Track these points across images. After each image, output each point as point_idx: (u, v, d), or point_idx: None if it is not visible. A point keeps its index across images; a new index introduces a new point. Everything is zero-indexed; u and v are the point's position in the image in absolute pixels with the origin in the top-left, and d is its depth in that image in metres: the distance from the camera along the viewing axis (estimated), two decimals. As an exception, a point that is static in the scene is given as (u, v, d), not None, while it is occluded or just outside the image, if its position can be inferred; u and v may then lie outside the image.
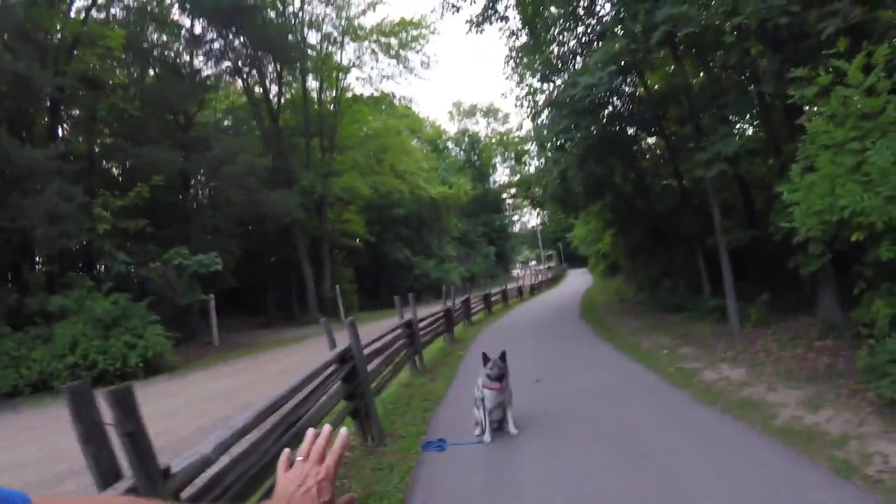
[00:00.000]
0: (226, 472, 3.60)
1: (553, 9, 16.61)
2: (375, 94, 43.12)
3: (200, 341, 25.59)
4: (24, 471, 8.49)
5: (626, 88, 15.16)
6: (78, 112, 25.17)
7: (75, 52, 22.30)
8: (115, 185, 24.29)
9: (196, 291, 23.84)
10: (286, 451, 1.12)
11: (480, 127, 75.53)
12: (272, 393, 4.69)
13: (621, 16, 12.48)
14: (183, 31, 30.24)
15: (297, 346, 22.28)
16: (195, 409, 11.71)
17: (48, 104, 22.50)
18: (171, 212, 27.99)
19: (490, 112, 74.20)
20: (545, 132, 16.68)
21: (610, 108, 14.21)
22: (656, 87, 16.22)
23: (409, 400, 9.50)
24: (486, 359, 7.02)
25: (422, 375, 11.63)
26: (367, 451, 6.86)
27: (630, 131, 16.60)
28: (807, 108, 8.48)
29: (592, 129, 14.21)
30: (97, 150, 25.82)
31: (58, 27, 22.30)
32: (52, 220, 18.76)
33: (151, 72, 28.48)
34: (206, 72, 32.03)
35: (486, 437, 6.66)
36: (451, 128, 73.76)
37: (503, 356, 6.99)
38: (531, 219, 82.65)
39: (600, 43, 13.56)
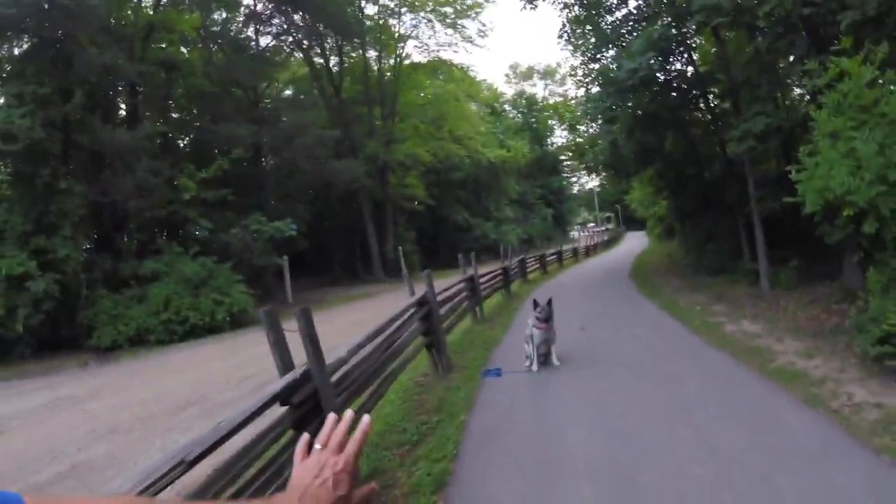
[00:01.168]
0: (352, 370, 5.36)
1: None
2: (433, 60, 43.99)
3: (275, 299, 27.65)
4: (146, 406, 10.41)
5: (674, 66, 16.17)
6: (157, 93, 27.17)
7: (153, 38, 24.34)
8: (195, 159, 26.20)
9: (272, 254, 26.07)
10: (305, 436, 1.10)
11: (538, 89, 75.35)
12: (377, 321, 6.46)
13: (663, 2, 13.59)
14: (244, 9, 31.79)
15: (363, 301, 24.31)
16: (295, 350, 13.70)
17: (129, 89, 24.50)
18: (245, 181, 29.72)
19: (547, 73, 73.87)
20: (593, 107, 17.74)
21: (655, 86, 15.18)
22: (699, 65, 17.08)
23: (472, 342, 11.29)
24: (535, 304, 8.69)
25: (482, 324, 13.41)
26: (438, 378, 8.64)
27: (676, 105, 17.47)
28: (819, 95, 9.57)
29: (637, 106, 15.35)
30: (177, 127, 28.07)
31: (131, 16, 24.19)
32: (141, 194, 21.10)
33: (220, 52, 30.13)
34: (270, 49, 33.53)
35: (534, 367, 8.40)
36: (509, 90, 73.74)
37: (549, 302, 8.68)
38: (589, 181, 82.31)
39: (644, 24, 14.59)
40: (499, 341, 11.30)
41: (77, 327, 19.12)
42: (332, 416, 1.11)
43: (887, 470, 4.46)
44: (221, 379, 11.80)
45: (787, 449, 4.99)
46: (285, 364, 4.42)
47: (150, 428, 8.76)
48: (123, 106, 25.52)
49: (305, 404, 4.26)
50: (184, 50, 27.87)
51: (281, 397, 4.00)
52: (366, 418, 1.10)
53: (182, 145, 30.21)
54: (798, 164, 8.78)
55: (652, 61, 12.95)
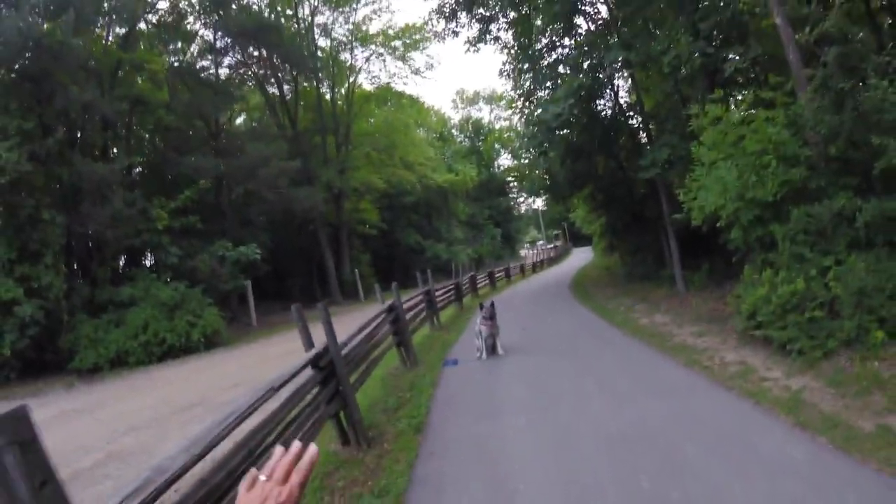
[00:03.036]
0: (351, 352, 7.31)
1: (538, 21, 19.72)
2: (383, 85, 45.87)
3: (241, 322, 29.13)
4: (154, 409, 11.91)
5: (600, 104, 18.56)
6: (128, 129, 28.46)
7: (122, 76, 25.93)
8: (163, 190, 27.58)
9: (239, 278, 27.56)
10: (252, 470, 1.08)
11: (484, 113, 77.96)
12: (363, 322, 8.45)
13: (584, 52, 15.97)
14: (201, 42, 33.47)
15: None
16: (270, 364, 15.36)
17: (102, 124, 25.65)
18: (208, 209, 30.93)
19: (493, 99, 76.76)
20: (527, 142, 20.03)
21: (580, 124, 17.44)
22: (624, 101, 19.62)
23: (432, 344, 13.37)
24: (481, 306, 10.85)
25: (439, 330, 15.49)
26: (407, 370, 10.64)
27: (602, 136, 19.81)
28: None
29: (565, 140, 17.68)
30: (146, 160, 29.58)
31: (102, 55, 25.58)
32: (116, 223, 22.37)
33: (184, 88, 31.26)
34: (229, 81, 34.87)
35: (483, 356, 10.55)
36: (456, 115, 76.14)
37: (492, 304, 10.92)
38: (535, 201, 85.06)
39: (569, 72, 16.95)
40: (454, 342, 13.44)
41: (60, 351, 20.20)
42: (279, 448, 1.10)
43: (734, 399, 6.55)
44: (214, 386, 13.43)
45: (662, 390, 7.14)
46: (308, 342, 6.35)
47: (165, 425, 10.32)
48: (97, 139, 26.78)
49: (326, 368, 6.20)
50: (150, 86, 29.25)
51: (312, 362, 5.93)
52: (312, 448, 1.10)
53: (151, 176, 31.40)
54: (685, 188, 11.08)
55: (574, 109, 15.21)
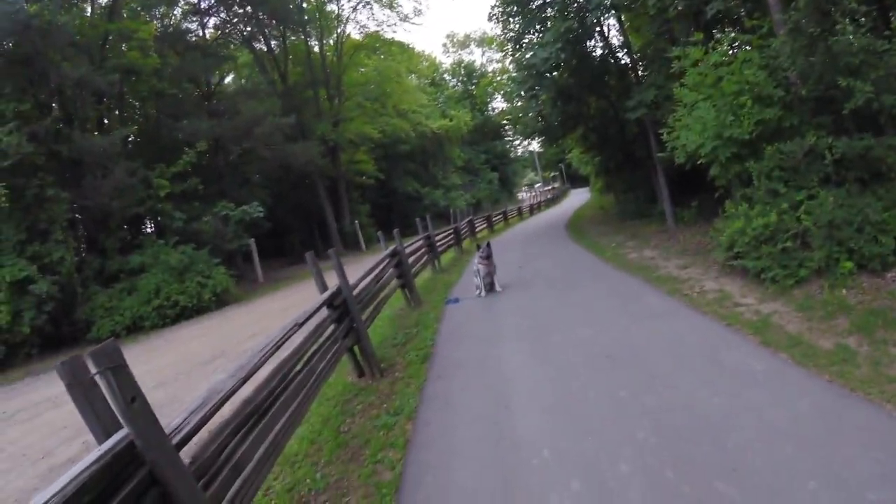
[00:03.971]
0: (361, 293, 8.03)
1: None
2: (372, 33, 45.59)
3: (248, 279, 29.85)
4: (178, 365, 12.65)
5: (589, 46, 18.85)
6: (121, 99, 28.81)
7: (110, 47, 26.03)
8: (162, 156, 27.71)
9: (243, 237, 28.29)
10: None
11: (476, 56, 77.47)
12: (371, 266, 9.17)
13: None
14: (184, 4, 33.29)
15: (329, 272, 26.78)
16: (282, 315, 16.14)
17: (96, 97, 25.95)
18: (207, 171, 31.21)
19: (484, 41, 75.99)
20: (516, 87, 20.38)
21: (570, 67, 17.81)
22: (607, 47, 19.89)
23: (434, 286, 14.16)
24: (478, 247, 11.63)
25: (440, 273, 16.26)
26: (412, 310, 11.42)
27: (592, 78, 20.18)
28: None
29: (555, 83, 18.08)
30: (142, 128, 29.98)
31: (88, 28, 25.55)
32: (120, 194, 22.94)
33: (173, 53, 31.23)
34: (215, 42, 34.84)
35: (482, 294, 11.32)
36: (447, 60, 75.65)
37: (488, 244, 11.74)
38: (531, 143, 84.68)
39: (556, 14, 17.16)
40: (455, 282, 14.23)
41: (76, 323, 20.92)
42: None
43: (708, 322, 7.26)
44: (231, 339, 14.22)
45: (644, 316, 7.89)
46: (322, 286, 7.07)
47: (192, 377, 11.03)
48: (92, 113, 27.03)
49: (340, 307, 6.94)
50: (139, 55, 29.28)
51: (328, 302, 6.66)
52: None
53: (148, 144, 31.53)
54: (669, 128, 11.66)
55: (562, 52, 15.62)
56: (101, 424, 2.70)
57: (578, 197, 61.37)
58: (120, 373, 2.76)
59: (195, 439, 3.34)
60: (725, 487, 3.62)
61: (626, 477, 4.00)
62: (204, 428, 3.42)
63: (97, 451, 2.57)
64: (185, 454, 3.20)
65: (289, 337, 5.21)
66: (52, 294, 19.37)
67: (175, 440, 3.04)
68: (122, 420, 2.75)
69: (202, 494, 3.11)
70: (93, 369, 2.69)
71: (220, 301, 23.42)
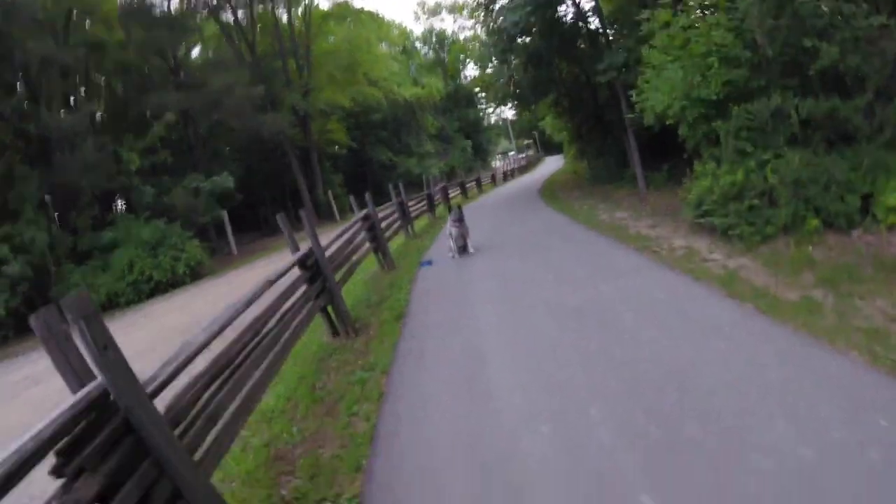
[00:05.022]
0: (333, 254, 8.05)
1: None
2: (340, 2, 45.40)
3: (221, 253, 29.73)
4: (173, 331, 12.36)
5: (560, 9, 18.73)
6: (87, 75, 28.18)
7: (74, 23, 25.46)
8: (130, 130, 27.57)
9: (215, 208, 28.04)
10: None
11: (447, 24, 76.68)
12: (342, 228, 9.17)
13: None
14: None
15: (303, 243, 26.76)
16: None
17: (62, 74, 25.37)
18: (176, 144, 31.43)
19: (455, 9, 75.31)
20: (486, 51, 20.31)
21: (540, 31, 17.74)
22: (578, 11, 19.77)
23: (407, 251, 14.23)
24: (450, 209, 11.63)
25: (414, 238, 16.30)
26: (384, 273, 11.45)
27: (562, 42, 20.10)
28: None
29: (525, 47, 18.02)
30: (108, 103, 29.33)
31: (51, 4, 24.81)
32: (90, 170, 22.66)
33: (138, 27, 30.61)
34: (184, 15, 33.89)
35: (455, 256, 11.36)
36: (418, 28, 75.06)
37: (460, 208, 11.81)
38: (503, 111, 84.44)
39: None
40: (428, 248, 14.28)
41: (51, 302, 20.55)
42: None
43: (675, 277, 7.39)
44: (209, 310, 14.04)
45: (614, 273, 8.01)
46: (294, 247, 7.08)
47: (169, 347, 10.94)
48: (58, 91, 26.50)
49: (312, 268, 6.97)
50: (104, 29, 28.67)
51: (299, 262, 6.68)
52: None
53: (116, 120, 31.24)
54: (637, 90, 11.72)
55: (532, 16, 15.56)
56: (76, 376, 2.75)
57: (552, 164, 61.37)
58: (92, 321, 2.80)
59: (169, 389, 3.38)
60: (693, 430, 3.72)
61: (597, 422, 4.10)
62: (177, 379, 3.46)
63: (72, 398, 2.61)
64: (160, 403, 3.23)
65: (260, 294, 5.24)
66: (25, 275, 19.18)
67: (149, 389, 3.08)
68: (95, 368, 2.79)
69: (178, 442, 3.15)
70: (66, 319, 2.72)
71: (195, 274, 23.37)
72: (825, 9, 8.16)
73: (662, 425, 3.85)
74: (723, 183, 8.78)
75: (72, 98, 27.18)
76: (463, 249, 11.62)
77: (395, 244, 14.58)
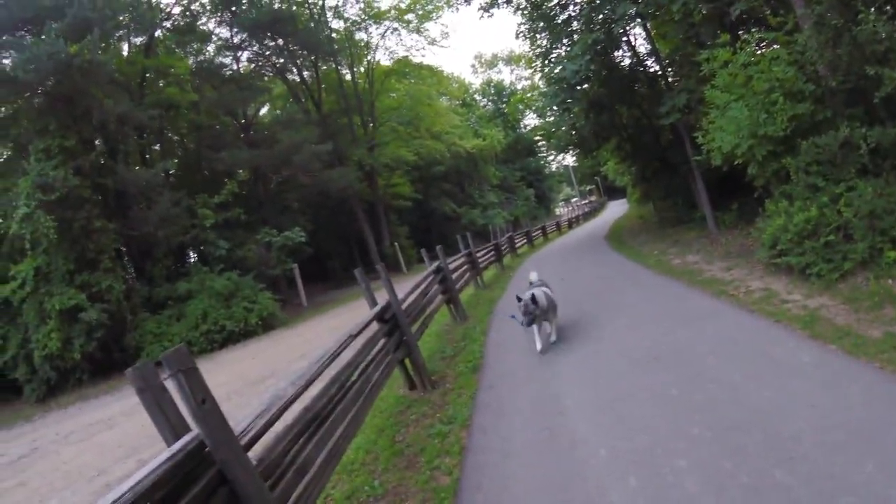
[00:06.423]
0: (409, 306, 8.24)
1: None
2: (401, 59, 46.15)
3: (292, 304, 30.49)
4: (229, 385, 13.01)
5: (618, 56, 18.99)
6: (161, 133, 30.11)
7: (148, 83, 27.22)
8: (205, 187, 29.00)
9: (286, 262, 28.93)
10: None
11: (504, 75, 77.93)
12: (417, 281, 9.40)
13: (595, 6, 16.37)
14: (216, 40, 34.50)
15: (377, 291, 27.21)
16: (329, 336, 16.45)
17: (138, 131, 27.19)
18: (248, 199, 32.51)
19: (512, 59, 76.40)
20: (548, 101, 20.62)
21: (599, 78, 17.90)
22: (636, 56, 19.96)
23: (477, 302, 14.34)
24: (518, 299, 8.09)
25: (483, 289, 16.39)
26: (457, 324, 11.60)
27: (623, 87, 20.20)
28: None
29: (586, 94, 18.24)
30: (183, 160, 31.02)
31: (126, 65, 26.87)
32: (166, 223, 23.84)
33: (210, 87, 32.47)
34: (252, 76, 35.97)
35: (537, 346, 8.25)
36: (476, 80, 76.34)
37: (533, 297, 8.01)
38: (565, 158, 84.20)
39: (583, 26, 17.37)
40: (498, 298, 14.33)
41: (126, 349, 21.66)
42: None
43: (755, 320, 7.26)
44: (281, 360, 14.62)
45: (691, 318, 7.93)
46: (372, 301, 7.31)
47: (243, 395, 11.52)
48: (134, 147, 28.12)
49: (390, 321, 7.17)
50: (177, 90, 30.38)
51: (378, 316, 6.89)
52: None
53: (189, 176, 32.80)
54: (703, 131, 11.71)
55: (591, 64, 15.82)
56: (171, 427, 2.86)
57: (616, 208, 60.81)
58: (191, 375, 2.96)
59: (261, 442, 3.54)
60: (783, 475, 3.66)
61: (683, 470, 4.07)
62: (268, 432, 3.63)
63: (169, 450, 2.75)
64: (253, 455, 3.40)
65: (344, 348, 5.44)
66: (101, 321, 20.14)
67: (243, 441, 3.22)
68: (193, 420, 2.94)
69: (269, 494, 3.29)
70: (165, 373, 2.88)
71: (266, 325, 23.97)
72: (883, 34, 8.05)
73: (753, 472, 3.80)
74: (797, 220, 8.66)
75: (147, 155, 28.76)
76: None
77: (465, 295, 14.72)
